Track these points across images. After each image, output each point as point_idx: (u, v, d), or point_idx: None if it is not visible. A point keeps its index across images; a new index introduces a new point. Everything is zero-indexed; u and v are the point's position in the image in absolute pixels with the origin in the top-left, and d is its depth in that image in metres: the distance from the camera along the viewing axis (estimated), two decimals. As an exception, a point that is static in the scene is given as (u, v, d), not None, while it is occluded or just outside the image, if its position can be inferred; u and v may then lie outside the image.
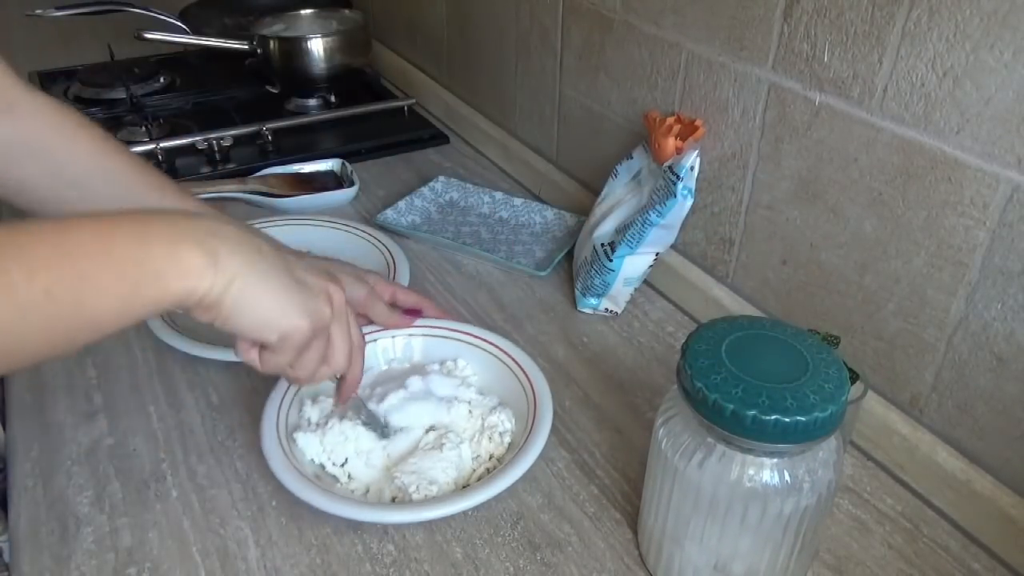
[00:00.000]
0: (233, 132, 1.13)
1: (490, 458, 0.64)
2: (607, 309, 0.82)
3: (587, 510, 0.61)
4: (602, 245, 0.80)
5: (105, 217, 0.45)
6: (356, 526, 0.59)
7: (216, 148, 1.10)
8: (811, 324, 0.69)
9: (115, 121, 1.20)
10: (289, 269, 0.52)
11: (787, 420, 0.43)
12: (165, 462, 0.65)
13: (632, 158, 0.83)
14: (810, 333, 0.50)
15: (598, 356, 0.77)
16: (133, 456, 0.65)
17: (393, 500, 0.60)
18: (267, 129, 1.14)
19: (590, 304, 0.82)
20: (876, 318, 0.64)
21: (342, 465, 0.62)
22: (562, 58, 0.95)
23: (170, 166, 1.08)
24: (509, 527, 0.60)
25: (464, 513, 0.59)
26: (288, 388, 0.65)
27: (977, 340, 0.57)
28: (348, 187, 1.02)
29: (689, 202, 0.74)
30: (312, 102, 1.27)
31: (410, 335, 0.73)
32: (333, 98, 1.28)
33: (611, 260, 0.78)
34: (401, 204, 0.98)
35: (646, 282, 0.86)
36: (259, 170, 1.05)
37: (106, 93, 1.28)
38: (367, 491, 0.62)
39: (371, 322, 0.71)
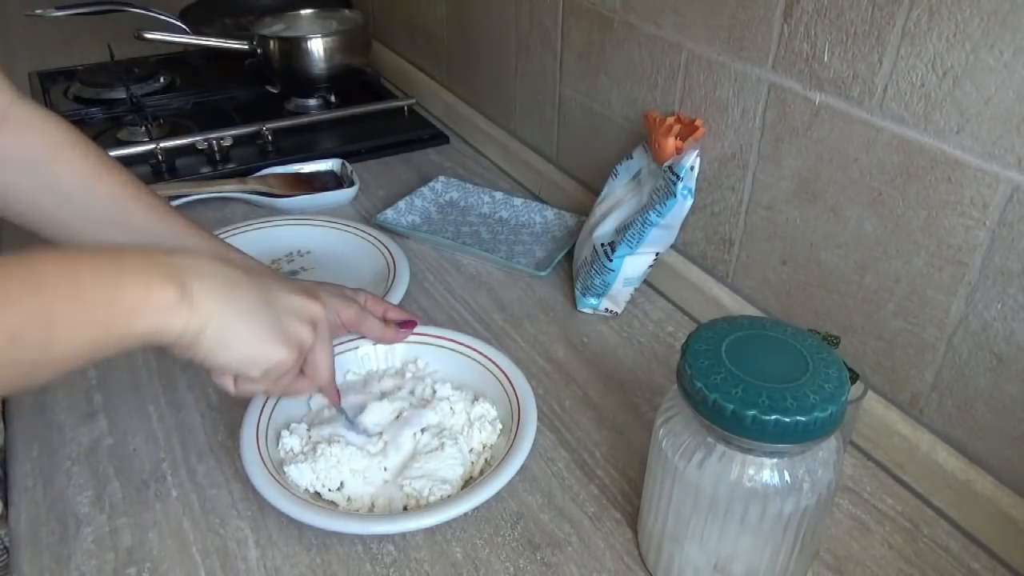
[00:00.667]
0: (233, 132, 1.13)
1: (484, 448, 0.64)
2: (607, 309, 0.82)
3: (587, 510, 0.61)
4: (602, 245, 0.80)
5: (76, 254, 0.45)
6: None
7: (216, 148, 1.10)
8: (811, 324, 0.69)
9: (115, 121, 1.20)
10: (268, 298, 0.52)
11: (787, 420, 0.43)
12: (165, 462, 0.65)
13: (632, 158, 0.83)
14: (810, 333, 0.50)
15: (598, 356, 0.77)
16: (133, 456, 0.65)
17: (405, 508, 0.60)
18: (267, 129, 1.14)
19: (590, 304, 0.82)
20: (876, 318, 0.64)
21: (338, 489, 0.61)
22: (562, 58, 0.95)
23: (170, 166, 1.08)
24: (509, 527, 0.60)
25: (464, 513, 0.59)
26: (260, 423, 0.63)
27: (977, 340, 0.57)
28: (348, 187, 1.02)
29: (689, 202, 0.74)
30: (312, 102, 1.27)
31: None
32: (333, 98, 1.28)
33: (611, 260, 0.78)
34: (401, 204, 0.98)
35: (646, 282, 0.86)
36: (259, 170, 1.05)
37: (106, 93, 1.28)
38: (372, 507, 0.61)
39: (364, 338, 0.71)
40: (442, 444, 0.62)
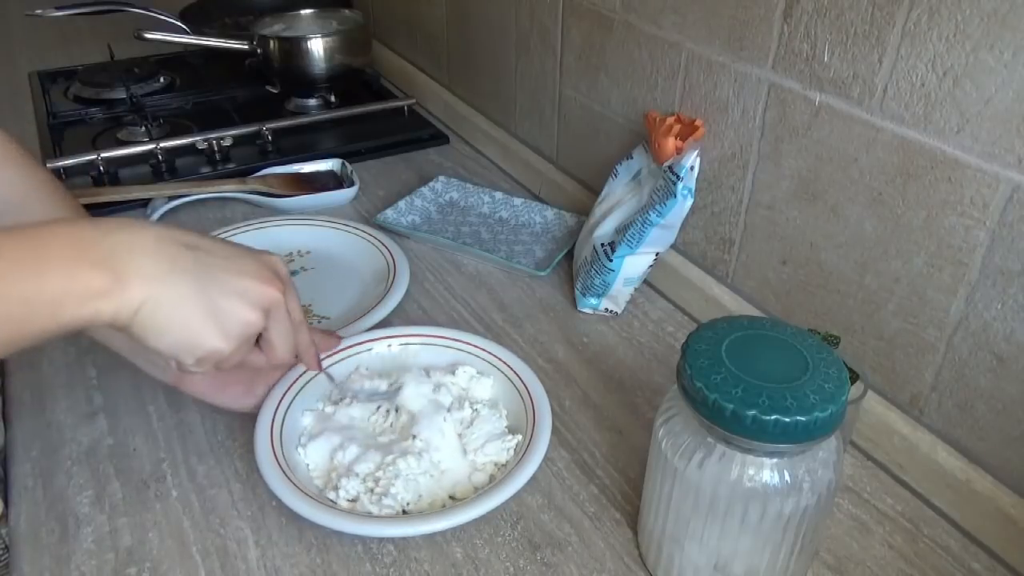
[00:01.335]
0: (233, 132, 1.13)
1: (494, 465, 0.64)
2: (607, 309, 0.82)
3: (587, 510, 0.61)
4: (602, 245, 0.80)
5: None
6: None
7: (216, 148, 1.10)
8: (811, 324, 0.69)
9: (115, 121, 1.20)
10: (210, 282, 0.49)
11: (787, 420, 0.43)
12: (165, 462, 0.65)
13: (632, 158, 0.83)
14: (810, 333, 0.50)
15: (598, 356, 0.77)
16: (133, 456, 0.65)
17: (492, 479, 0.61)
18: (267, 129, 1.14)
19: (590, 304, 0.82)
20: (876, 318, 0.64)
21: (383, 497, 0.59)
22: (562, 58, 0.95)
23: (170, 166, 1.08)
24: (509, 527, 0.60)
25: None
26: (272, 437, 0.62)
27: (977, 340, 0.57)
28: (348, 187, 1.02)
29: (689, 202, 0.74)
30: (312, 102, 1.27)
31: (405, 344, 0.72)
32: (333, 98, 1.28)
33: (611, 260, 0.78)
34: (401, 204, 0.98)
35: (646, 282, 0.86)
36: (259, 170, 1.05)
37: (106, 93, 1.28)
38: (452, 493, 0.61)
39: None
40: (476, 410, 0.65)
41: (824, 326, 0.67)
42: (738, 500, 0.47)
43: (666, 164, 0.75)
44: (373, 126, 1.22)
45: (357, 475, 0.60)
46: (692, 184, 0.74)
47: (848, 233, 0.65)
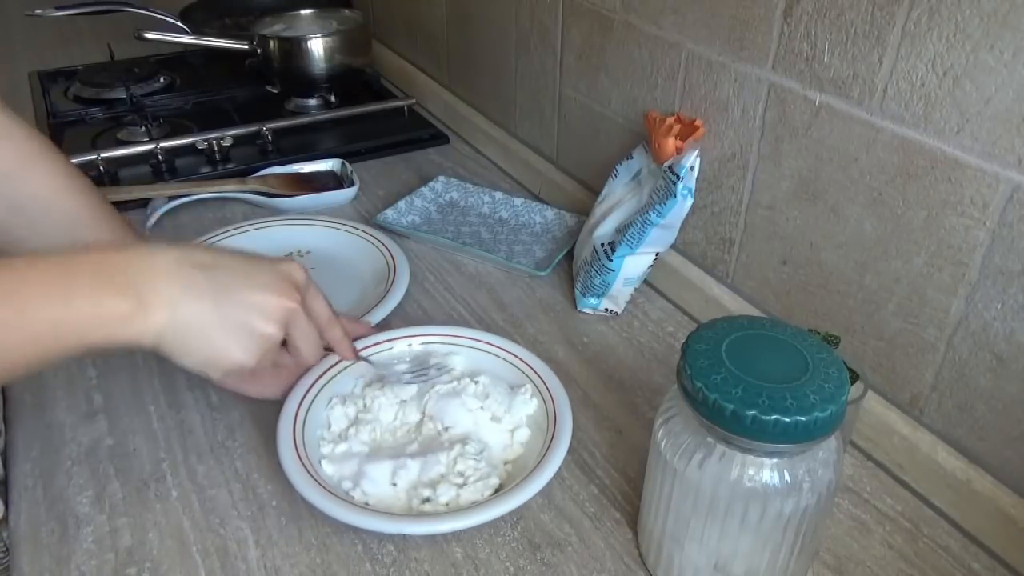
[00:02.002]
0: (233, 132, 1.13)
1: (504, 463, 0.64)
2: (607, 309, 0.82)
3: (587, 510, 0.61)
4: (602, 245, 0.80)
5: (24, 267, 0.44)
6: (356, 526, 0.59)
7: (216, 148, 1.10)
8: (811, 324, 0.69)
9: (115, 121, 1.20)
10: (228, 299, 0.51)
11: (787, 420, 0.43)
12: (165, 462, 0.65)
13: (632, 158, 0.83)
14: (810, 333, 0.50)
15: (598, 356, 0.77)
16: (133, 456, 0.65)
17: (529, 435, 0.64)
18: (267, 129, 1.14)
19: (590, 304, 0.82)
20: (876, 318, 0.64)
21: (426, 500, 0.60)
22: (562, 58, 0.95)
23: (170, 166, 1.08)
24: (509, 527, 0.60)
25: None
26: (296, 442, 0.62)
27: (977, 340, 0.57)
28: (348, 187, 1.02)
29: (689, 202, 0.74)
30: (312, 102, 1.27)
31: (426, 344, 0.73)
32: (333, 98, 1.28)
33: (611, 260, 0.78)
34: (401, 204, 0.98)
35: (646, 282, 0.86)
36: (259, 170, 1.05)
37: (106, 93, 1.28)
38: (506, 465, 0.64)
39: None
40: (477, 382, 0.67)
41: (824, 326, 0.67)
42: (738, 500, 0.47)
43: (666, 164, 0.75)
44: (373, 126, 1.22)
45: (395, 485, 0.61)
46: (692, 184, 0.74)
47: (848, 233, 0.65)
